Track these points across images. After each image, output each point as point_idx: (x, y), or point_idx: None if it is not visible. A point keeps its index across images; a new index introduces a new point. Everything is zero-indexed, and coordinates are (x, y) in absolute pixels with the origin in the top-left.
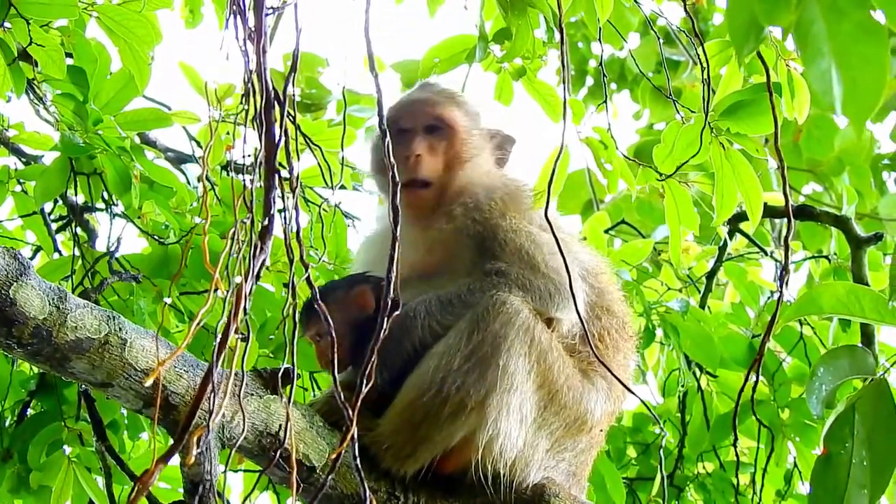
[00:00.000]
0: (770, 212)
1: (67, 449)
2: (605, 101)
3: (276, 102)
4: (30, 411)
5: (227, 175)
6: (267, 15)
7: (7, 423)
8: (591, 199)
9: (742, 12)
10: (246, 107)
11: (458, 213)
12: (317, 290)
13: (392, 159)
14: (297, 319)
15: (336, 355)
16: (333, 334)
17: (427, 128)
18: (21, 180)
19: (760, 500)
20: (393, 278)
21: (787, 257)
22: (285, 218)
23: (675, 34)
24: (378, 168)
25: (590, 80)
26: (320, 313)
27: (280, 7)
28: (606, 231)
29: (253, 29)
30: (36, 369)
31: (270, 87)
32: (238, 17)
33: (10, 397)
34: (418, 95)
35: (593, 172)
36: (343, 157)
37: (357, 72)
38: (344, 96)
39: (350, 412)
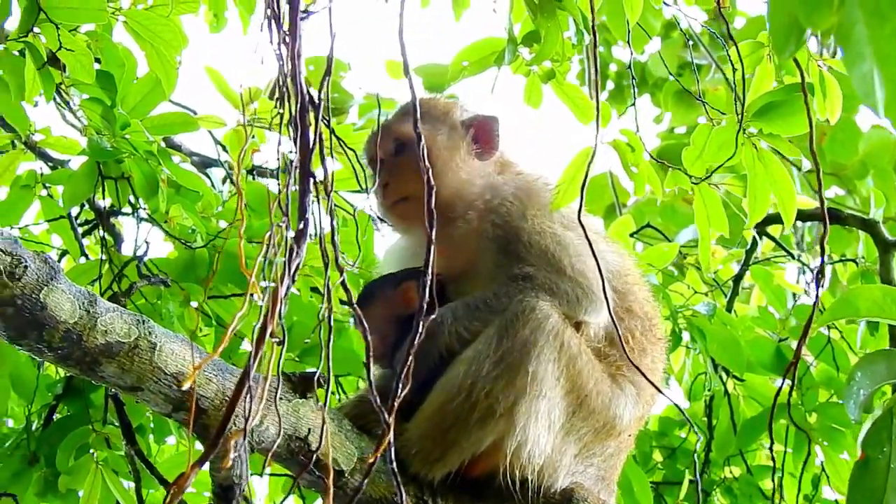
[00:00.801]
0: (798, 215)
1: (94, 453)
2: (634, 103)
3: (310, 106)
4: (56, 415)
5: (254, 179)
6: (302, 19)
7: (34, 427)
8: (614, 203)
9: (783, 14)
10: (280, 110)
11: (472, 217)
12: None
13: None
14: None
15: (370, 357)
16: (369, 338)
17: (394, 150)
18: (47, 185)
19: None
20: (429, 282)
21: (823, 259)
22: (319, 221)
23: (698, 37)
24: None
25: (610, 85)
26: (357, 316)
27: (315, 11)
28: (631, 235)
29: (287, 32)
30: (62, 373)
31: (305, 91)
32: (273, 21)
33: (37, 401)
34: (382, 123)
35: (615, 176)
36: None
37: (378, 76)
38: (378, 102)
39: (386, 416)
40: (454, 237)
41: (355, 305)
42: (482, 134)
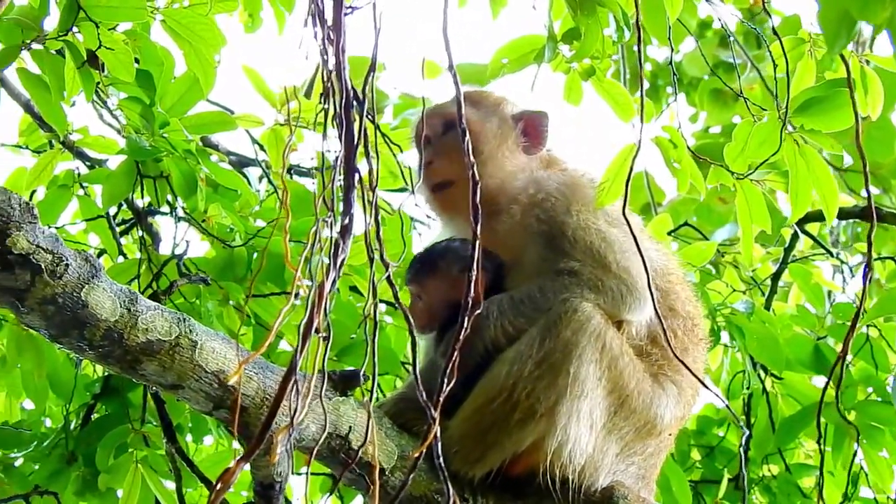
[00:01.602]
0: (838, 212)
1: (133, 451)
2: (676, 98)
3: (354, 102)
4: (94, 415)
5: (291, 178)
6: (346, 14)
7: (72, 427)
8: (649, 202)
9: (834, 7)
10: (326, 106)
11: (515, 212)
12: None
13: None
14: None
15: (416, 354)
16: (413, 325)
17: (441, 130)
18: (84, 184)
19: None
20: (475, 278)
21: (870, 256)
22: (364, 218)
23: (734, 36)
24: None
25: (645, 84)
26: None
27: (359, 6)
28: (669, 233)
29: (332, 28)
30: (100, 372)
31: (350, 86)
32: (316, 17)
33: (75, 400)
34: (436, 103)
35: (651, 175)
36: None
37: (413, 76)
38: (423, 103)
39: (432, 413)
40: (498, 231)
41: (418, 259)
42: (531, 129)
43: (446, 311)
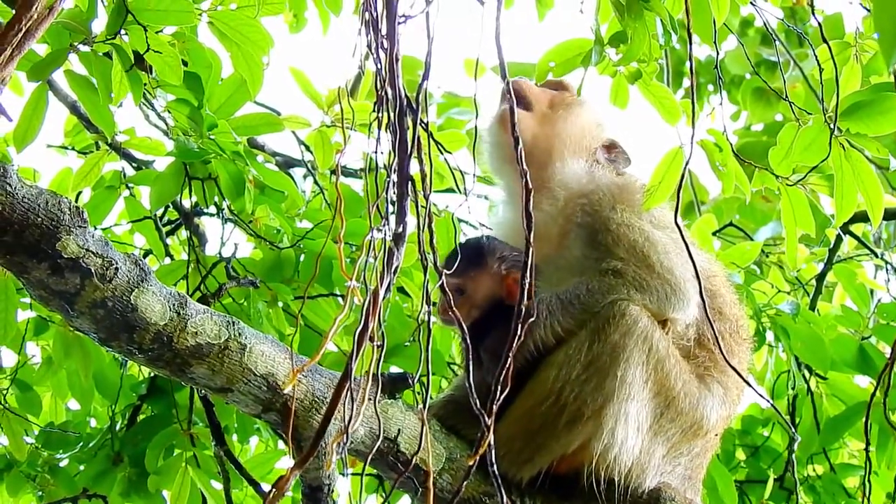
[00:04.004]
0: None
1: (182, 453)
2: (721, 102)
3: (408, 109)
4: (140, 415)
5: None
6: (400, 23)
7: (118, 427)
8: (693, 201)
9: (889, 17)
10: (379, 115)
11: (561, 196)
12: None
13: (525, 166)
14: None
15: (470, 358)
16: (465, 332)
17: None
18: (130, 185)
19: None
20: (528, 285)
21: None
22: (418, 223)
23: (776, 35)
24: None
25: (686, 82)
26: (445, 301)
27: (412, 15)
28: (714, 233)
29: (385, 37)
30: (146, 373)
31: (403, 95)
32: (370, 25)
33: (121, 401)
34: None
35: (695, 174)
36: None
37: (457, 75)
38: (478, 107)
39: (486, 418)
40: (538, 214)
41: (458, 251)
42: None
43: (485, 308)
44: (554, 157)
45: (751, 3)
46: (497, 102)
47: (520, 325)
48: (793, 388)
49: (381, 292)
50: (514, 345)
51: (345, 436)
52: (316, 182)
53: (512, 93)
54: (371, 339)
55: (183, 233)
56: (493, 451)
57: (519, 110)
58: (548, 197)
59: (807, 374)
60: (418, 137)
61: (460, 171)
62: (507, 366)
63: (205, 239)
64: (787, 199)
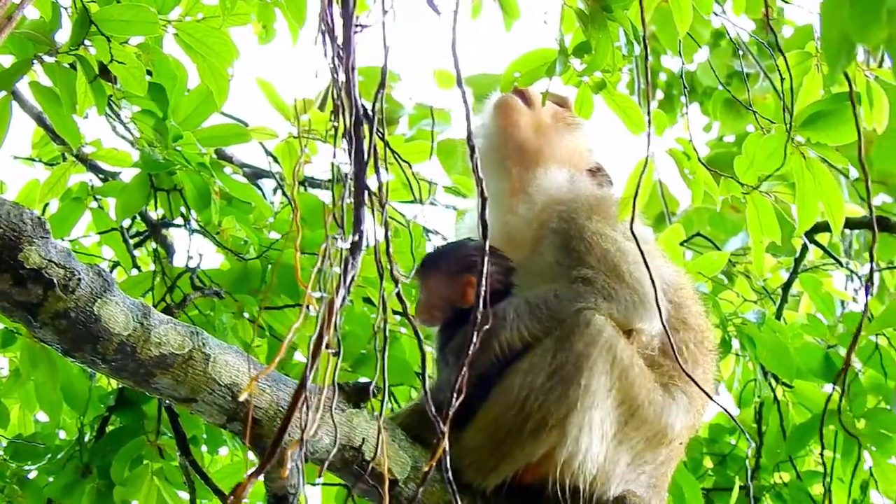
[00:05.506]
0: (847, 222)
1: (149, 464)
2: (686, 112)
3: (364, 119)
4: (109, 427)
5: (305, 190)
6: (356, 33)
7: (86, 439)
8: (663, 212)
9: (835, 29)
10: (335, 123)
11: (539, 201)
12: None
13: (480, 174)
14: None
15: (425, 366)
16: (423, 345)
17: (558, 101)
18: (98, 196)
19: None
20: (483, 293)
21: (872, 267)
22: (374, 232)
23: (746, 47)
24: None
25: (659, 94)
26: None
27: (369, 24)
28: (681, 243)
29: (342, 46)
30: (115, 385)
31: (360, 104)
32: (326, 34)
33: (89, 413)
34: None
35: (664, 185)
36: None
37: (427, 86)
38: (432, 115)
39: (441, 426)
40: (513, 219)
41: (427, 257)
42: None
43: (447, 311)
44: (540, 163)
45: (714, 13)
46: (496, 93)
47: (475, 333)
48: (759, 397)
49: (338, 301)
50: (470, 352)
51: (302, 443)
52: (284, 193)
53: (467, 101)
54: (328, 347)
55: (151, 244)
56: (448, 458)
57: (519, 104)
58: (525, 201)
59: (773, 382)
60: (374, 146)
61: (427, 181)
62: (463, 375)
63: (173, 250)
64: (753, 206)
